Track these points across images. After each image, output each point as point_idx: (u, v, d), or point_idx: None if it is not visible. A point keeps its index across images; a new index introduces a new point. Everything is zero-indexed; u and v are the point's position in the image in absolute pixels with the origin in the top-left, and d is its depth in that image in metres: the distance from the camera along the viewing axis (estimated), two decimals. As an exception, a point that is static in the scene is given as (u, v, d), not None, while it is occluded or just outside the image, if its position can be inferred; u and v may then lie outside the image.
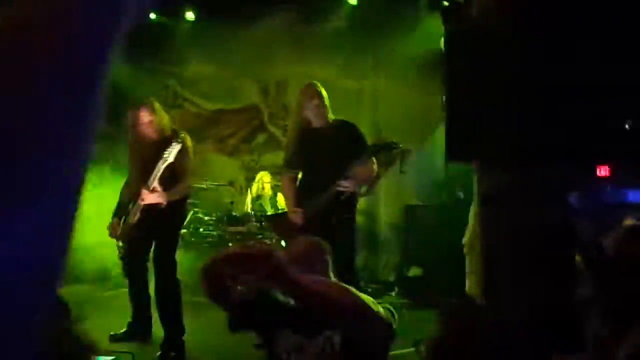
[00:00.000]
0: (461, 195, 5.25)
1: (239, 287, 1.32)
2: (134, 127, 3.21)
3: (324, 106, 3.29)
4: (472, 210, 4.38)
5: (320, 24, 6.23)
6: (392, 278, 5.80)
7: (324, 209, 3.18)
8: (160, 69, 6.91)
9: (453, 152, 1.96)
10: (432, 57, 5.86)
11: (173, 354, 3.27)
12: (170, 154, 3.08)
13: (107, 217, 3.41)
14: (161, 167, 3.10)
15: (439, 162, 5.82)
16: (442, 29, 6.09)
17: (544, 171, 1.74)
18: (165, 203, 3.17)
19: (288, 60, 6.44)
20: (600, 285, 1.61)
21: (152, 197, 3.12)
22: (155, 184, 3.11)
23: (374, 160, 3.36)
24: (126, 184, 3.45)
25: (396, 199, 6.02)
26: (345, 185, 3.16)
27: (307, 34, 6.27)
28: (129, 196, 3.33)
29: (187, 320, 3.46)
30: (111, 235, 3.35)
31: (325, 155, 3.20)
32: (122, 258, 3.38)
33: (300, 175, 3.47)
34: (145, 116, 3.18)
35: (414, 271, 5.33)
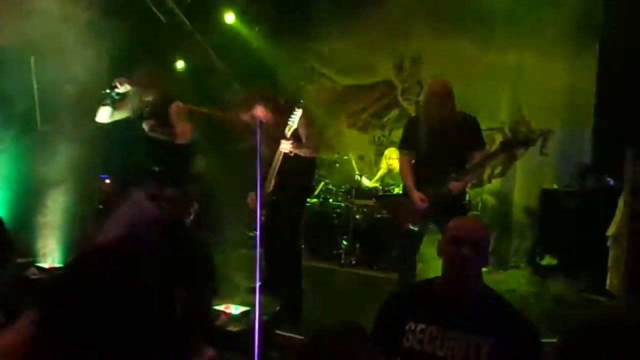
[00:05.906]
0: (611, 182, 4.80)
1: None
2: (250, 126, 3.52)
3: (452, 104, 3.41)
4: (622, 200, 3.98)
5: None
6: (522, 265, 5.53)
7: (440, 197, 3.38)
8: (301, 46, 7.13)
9: (604, 134, 1.81)
10: (586, 27, 5.30)
11: (292, 311, 3.56)
12: (294, 121, 3.39)
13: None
14: (287, 133, 3.39)
15: (586, 145, 5.38)
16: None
17: None
18: (295, 152, 3.44)
19: (424, 35, 6.27)
20: None
21: (286, 145, 3.40)
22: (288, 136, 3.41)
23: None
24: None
25: (534, 181, 5.64)
26: (458, 186, 3.37)
27: (444, 5, 6.00)
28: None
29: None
30: (250, 206, 3.65)
31: (446, 146, 3.38)
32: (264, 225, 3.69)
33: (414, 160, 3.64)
34: (261, 114, 3.43)
35: (548, 260, 5.05)
